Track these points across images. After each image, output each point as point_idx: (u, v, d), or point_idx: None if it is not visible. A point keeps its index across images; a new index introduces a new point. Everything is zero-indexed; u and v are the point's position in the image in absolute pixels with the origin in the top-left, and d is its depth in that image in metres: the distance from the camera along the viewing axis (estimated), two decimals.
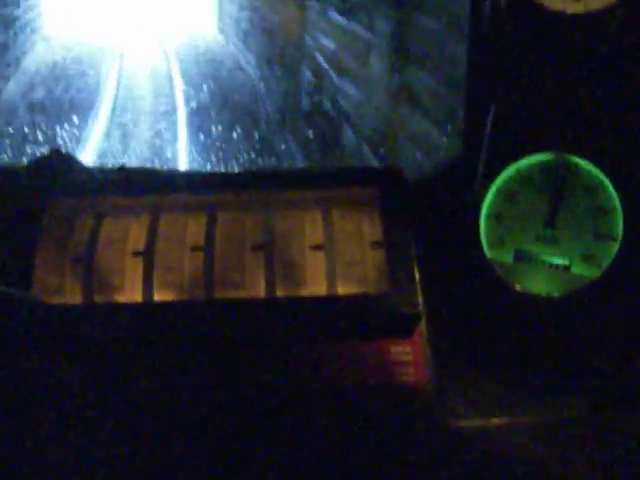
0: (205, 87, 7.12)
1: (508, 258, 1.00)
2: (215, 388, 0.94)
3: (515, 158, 0.99)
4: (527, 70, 0.96)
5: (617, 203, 0.95)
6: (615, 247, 0.96)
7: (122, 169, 1.12)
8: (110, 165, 1.14)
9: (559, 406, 0.97)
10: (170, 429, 0.91)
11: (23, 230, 1.03)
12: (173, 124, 5.99)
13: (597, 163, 0.96)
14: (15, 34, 7.72)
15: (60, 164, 1.15)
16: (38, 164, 1.15)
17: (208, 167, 4.23)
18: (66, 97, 6.55)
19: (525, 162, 0.99)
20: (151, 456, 0.88)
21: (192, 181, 1.09)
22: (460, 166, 1.10)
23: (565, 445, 0.93)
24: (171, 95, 7.00)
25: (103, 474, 0.82)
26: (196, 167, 4.54)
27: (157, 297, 0.99)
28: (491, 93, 1.00)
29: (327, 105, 3.63)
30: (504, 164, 1.00)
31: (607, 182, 0.95)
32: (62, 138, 5.31)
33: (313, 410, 0.94)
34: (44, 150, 1.25)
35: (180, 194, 1.07)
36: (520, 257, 0.99)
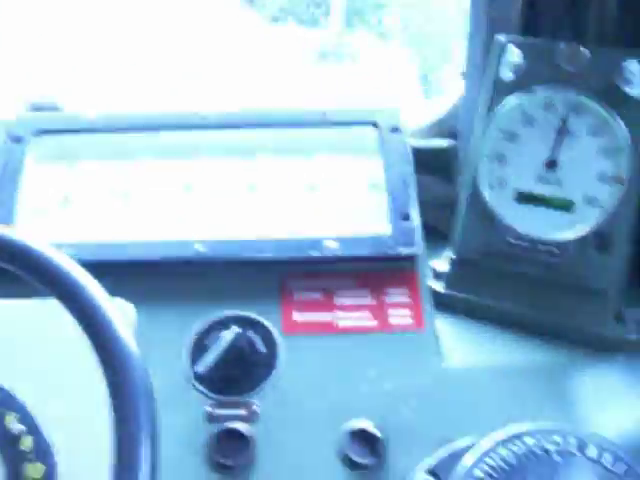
0: None
1: (509, 199, 0.97)
2: None
3: (517, 95, 0.96)
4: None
5: (624, 143, 0.92)
6: (621, 190, 0.93)
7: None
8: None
9: (554, 351, 0.95)
10: None
11: (8, 166, 1.00)
12: None
13: (604, 100, 0.92)
14: None
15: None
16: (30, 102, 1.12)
17: None
18: None
19: (527, 100, 0.96)
20: None
21: (173, 121, 1.06)
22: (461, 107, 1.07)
23: (557, 389, 0.91)
24: None
25: None
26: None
27: (140, 236, 0.97)
28: (492, 29, 0.97)
29: None
30: (505, 103, 0.97)
31: (614, 120, 0.92)
32: None
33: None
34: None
35: (162, 135, 1.04)
36: (521, 198, 0.96)
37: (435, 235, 1.06)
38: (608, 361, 0.95)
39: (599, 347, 0.95)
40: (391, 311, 0.94)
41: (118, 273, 0.92)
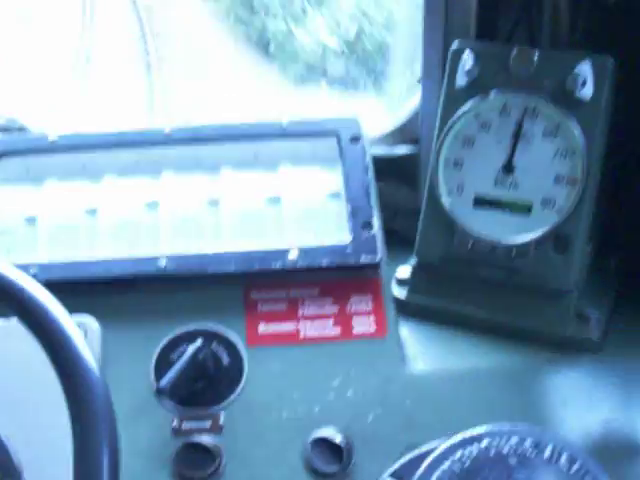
0: None
1: (467, 204, 0.98)
2: None
3: (472, 100, 0.97)
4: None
5: (579, 145, 0.93)
6: (577, 191, 0.94)
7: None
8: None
9: (518, 353, 0.96)
10: None
11: None
12: None
13: (558, 102, 0.93)
14: None
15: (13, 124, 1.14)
16: None
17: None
18: None
19: (482, 106, 0.97)
20: None
21: (139, 139, 1.06)
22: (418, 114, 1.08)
23: (521, 391, 0.92)
24: None
25: None
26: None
27: (112, 254, 0.97)
28: (448, 34, 0.98)
29: None
30: (461, 109, 0.97)
31: (568, 123, 0.93)
32: None
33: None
34: None
35: (125, 152, 1.05)
36: (479, 203, 0.97)
37: (401, 242, 1.07)
38: (572, 362, 0.95)
39: (562, 348, 0.96)
40: (354, 319, 0.95)
41: (83, 291, 0.93)
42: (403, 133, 1.15)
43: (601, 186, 0.95)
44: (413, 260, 1.03)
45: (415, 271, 1.03)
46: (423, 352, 0.96)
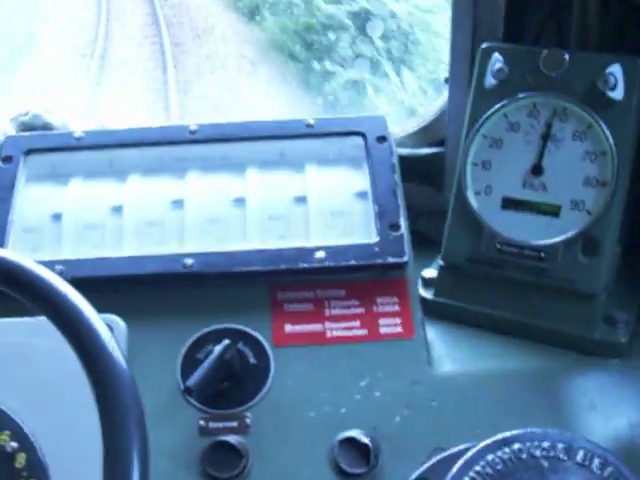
0: None
1: (495, 206, 0.97)
2: None
3: (501, 102, 0.96)
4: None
5: (608, 147, 0.92)
6: (607, 193, 0.93)
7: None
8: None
9: (545, 355, 0.95)
10: None
11: (0, 185, 1.01)
12: None
13: (587, 104, 0.92)
14: None
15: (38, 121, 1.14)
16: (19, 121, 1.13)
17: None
18: None
19: (511, 107, 0.96)
20: None
21: (164, 137, 1.06)
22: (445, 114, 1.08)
23: (549, 394, 0.91)
24: None
25: None
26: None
27: (138, 252, 0.97)
28: (476, 34, 0.97)
29: None
30: (490, 110, 0.97)
31: (598, 125, 0.92)
32: None
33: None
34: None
35: (151, 150, 1.05)
36: (507, 205, 0.97)
37: (426, 243, 1.06)
38: (599, 365, 0.95)
39: (590, 351, 0.95)
40: (381, 320, 0.94)
41: (109, 289, 0.93)
42: (428, 133, 1.15)
43: (630, 188, 0.94)
44: (439, 261, 1.02)
45: (442, 272, 1.02)
46: (450, 354, 0.96)
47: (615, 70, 0.92)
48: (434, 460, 0.84)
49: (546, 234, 0.95)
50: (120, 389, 0.68)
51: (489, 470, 0.73)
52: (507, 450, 0.74)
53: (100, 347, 0.70)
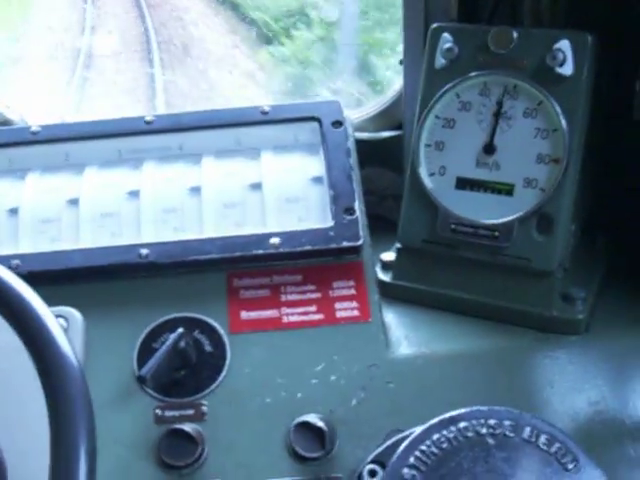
0: None
1: (449, 186, 0.97)
2: None
3: (452, 82, 0.96)
4: None
5: (560, 123, 0.92)
6: (559, 170, 0.93)
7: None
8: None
9: (503, 335, 0.95)
10: None
11: None
12: None
13: (537, 81, 0.92)
14: None
15: None
16: None
17: None
18: None
19: (462, 86, 0.96)
20: None
21: (120, 128, 1.06)
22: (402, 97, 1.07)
23: (507, 373, 0.91)
24: None
25: None
26: None
27: (94, 244, 0.97)
28: (429, 16, 0.97)
29: None
30: (442, 90, 0.97)
31: (548, 101, 0.92)
32: None
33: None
34: None
35: (107, 142, 1.05)
36: (461, 185, 0.96)
37: (389, 227, 1.06)
38: (558, 342, 0.94)
39: (548, 329, 0.95)
40: (337, 304, 0.94)
41: (66, 281, 0.93)
42: (387, 116, 1.14)
43: (584, 165, 0.94)
44: (397, 243, 1.02)
45: (399, 254, 1.02)
46: (407, 335, 0.96)
47: (564, 46, 0.91)
48: (389, 442, 0.84)
49: (500, 213, 0.94)
50: (67, 381, 0.68)
51: (434, 449, 0.73)
52: (453, 429, 0.74)
53: (47, 339, 0.70)
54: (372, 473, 0.82)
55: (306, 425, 0.86)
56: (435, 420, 0.74)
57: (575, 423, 0.88)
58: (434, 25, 0.98)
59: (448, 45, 0.96)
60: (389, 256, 1.04)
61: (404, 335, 0.96)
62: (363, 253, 0.96)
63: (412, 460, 0.73)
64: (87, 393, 0.69)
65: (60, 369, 0.69)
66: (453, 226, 0.96)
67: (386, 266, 1.03)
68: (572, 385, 0.91)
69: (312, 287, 0.95)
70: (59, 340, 0.70)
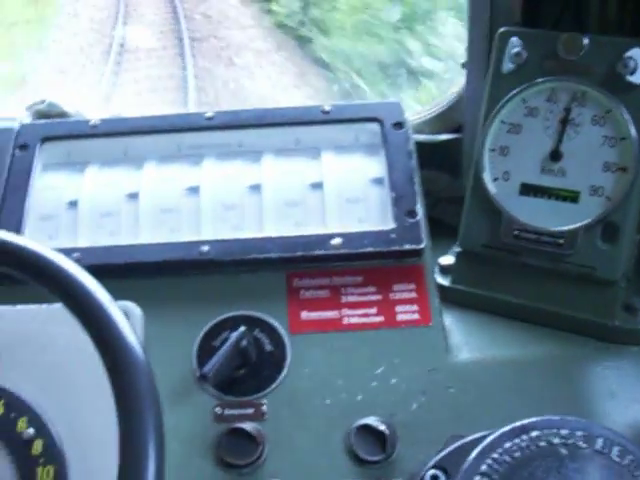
0: None
1: (513, 192, 0.96)
2: None
3: (520, 87, 0.95)
4: None
5: (628, 132, 0.91)
6: (627, 179, 0.92)
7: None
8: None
9: (564, 343, 0.94)
10: None
11: (16, 173, 1.01)
12: None
13: (607, 89, 0.91)
14: None
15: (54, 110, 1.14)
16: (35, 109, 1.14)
17: None
18: None
19: (530, 91, 0.95)
20: None
21: (180, 124, 1.06)
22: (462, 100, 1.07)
23: (567, 381, 0.90)
24: None
25: None
26: None
27: (154, 239, 0.97)
28: (494, 19, 0.96)
29: None
30: (508, 95, 0.96)
31: (617, 109, 0.91)
32: None
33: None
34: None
35: (167, 137, 1.05)
36: (525, 191, 0.96)
37: (443, 230, 1.06)
38: (618, 352, 0.94)
39: (609, 338, 0.94)
40: (398, 307, 0.94)
41: (126, 276, 0.93)
42: (446, 119, 1.14)
43: None
44: (457, 247, 1.02)
45: (459, 259, 1.01)
46: (467, 341, 0.95)
47: (634, 54, 0.91)
48: (451, 447, 0.83)
49: (565, 220, 0.94)
50: (136, 376, 0.68)
51: (507, 457, 0.72)
52: (525, 437, 0.73)
53: (116, 334, 0.70)
54: (434, 478, 0.81)
55: (367, 428, 0.86)
56: (507, 428, 0.74)
57: (635, 433, 0.88)
58: (502, 29, 0.97)
59: (516, 50, 0.95)
60: (448, 260, 1.03)
61: (464, 340, 0.95)
62: (424, 256, 0.95)
63: (484, 468, 0.72)
64: (156, 389, 0.69)
65: (129, 365, 0.69)
66: (516, 232, 0.95)
67: (445, 270, 1.03)
68: (633, 396, 0.90)
69: (372, 289, 0.95)
70: (128, 335, 0.70)
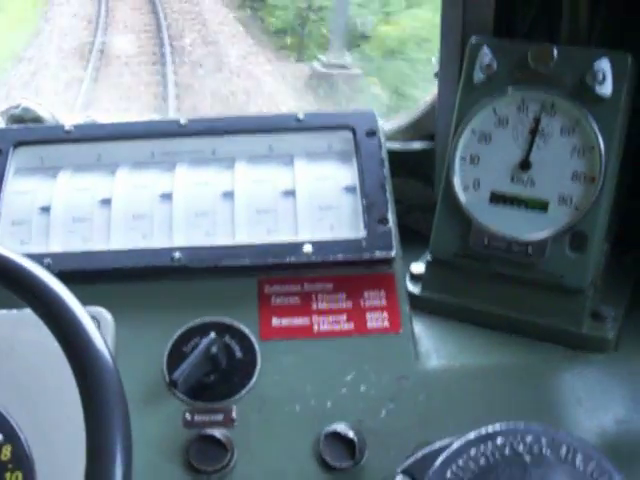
0: None
1: (483, 200, 0.97)
2: None
3: (490, 97, 0.96)
4: None
5: (597, 142, 0.92)
6: (595, 188, 0.93)
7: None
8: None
9: (532, 350, 0.95)
10: None
11: None
12: None
13: (576, 99, 0.92)
14: None
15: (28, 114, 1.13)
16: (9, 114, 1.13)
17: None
18: None
19: (500, 101, 0.96)
20: None
21: (153, 130, 1.06)
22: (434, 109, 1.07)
23: (535, 389, 0.91)
24: None
25: None
26: None
27: (126, 245, 0.97)
28: (466, 29, 0.97)
29: None
30: (479, 104, 0.97)
31: (586, 120, 0.92)
32: None
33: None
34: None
35: (140, 143, 1.05)
36: (495, 199, 0.97)
37: (415, 238, 1.06)
38: (586, 360, 0.95)
39: (577, 346, 0.95)
40: (368, 314, 0.94)
41: (97, 282, 0.93)
42: (418, 128, 1.15)
43: (618, 184, 0.94)
44: (427, 256, 1.02)
45: (429, 267, 1.02)
46: (437, 348, 0.96)
47: (603, 65, 0.92)
48: (418, 454, 0.84)
49: (534, 229, 0.95)
50: (104, 382, 0.68)
51: (471, 465, 0.73)
52: (490, 445, 0.74)
53: (84, 340, 0.70)
54: None
55: (336, 435, 0.86)
56: (471, 435, 0.74)
57: (602, 441, 0.89)
58: (473, 39, 0.98)
59: (487, 60, 0.96)
60: (419, 268, 1.04)
61: (433, 348, 0.96)
62: (395, 264, 0.96)
63: (449, 475, 0.73)
64: (124, 395, 0.69)
65: (97, 370, 0.69)
66: (486, 241, 0.96)
67: (415, 278, 1.03)
68: (600, 403, 0.91)
69: (343, 296, 0.95)
70: (96, 341, 0.70)
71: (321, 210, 0.99)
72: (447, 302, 1.01)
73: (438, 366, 0.94)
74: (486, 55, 0.96)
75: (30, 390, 0.85)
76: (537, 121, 0.95)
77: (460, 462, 0.73)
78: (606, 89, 0.92)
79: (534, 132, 0.95)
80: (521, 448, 0.73)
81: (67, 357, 0.69)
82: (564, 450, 0.73)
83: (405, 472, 0.83)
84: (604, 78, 0.92)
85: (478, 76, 0.97)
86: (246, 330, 0.93)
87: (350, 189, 1.00)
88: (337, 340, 0.93)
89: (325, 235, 0.97)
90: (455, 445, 0.74)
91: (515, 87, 0.96)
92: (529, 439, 0.74)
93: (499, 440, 0.74)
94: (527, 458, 0.73)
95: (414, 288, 1.03)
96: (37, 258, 0.93)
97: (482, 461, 0.73)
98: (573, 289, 0.94)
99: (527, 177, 0.95)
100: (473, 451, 0.73)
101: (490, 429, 0.74)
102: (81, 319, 0.71)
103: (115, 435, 0.66)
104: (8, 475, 0.81)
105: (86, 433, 0.66)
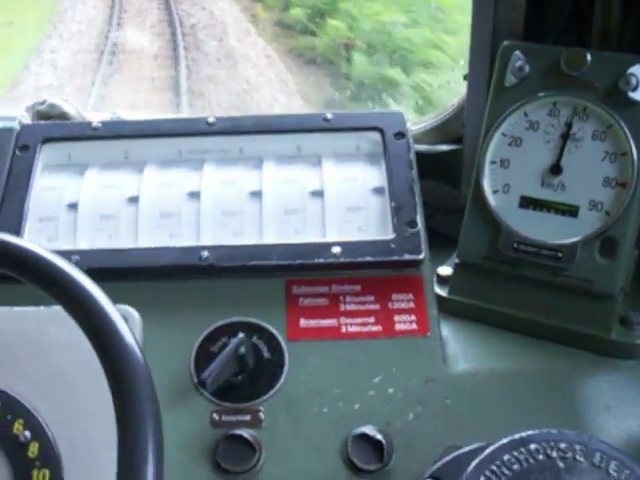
0: None
1: (513, 204, 0.97)
2: None
3: (521, 101, 0.96)
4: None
5: (628, 147, 0.91)
6: (626, 194, 0.92)
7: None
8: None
9: (560, 355, 0.95)
10: None
11: (16, 174, 1.01)
12: None
13: (608, 104, 0.92)
14: None
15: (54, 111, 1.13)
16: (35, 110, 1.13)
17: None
18: None
19: (531, 105, 0.96)
20: None
21: (181, 128, 1.06)
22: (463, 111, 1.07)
23: (563, 394, 0.91)
24: None
25: None
26: None
27: (153, 243, 0.97)
28: (496, 32, 0.97)
29: None
30: (510, 108, 0.97)
31: (618, 125, 0.92)
32: None
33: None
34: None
35: (169, 141, 1.05)
36: (525, 204, 0.96)
37: (442, 240, 1.06)
38: (614, 366, 0.94)
39: (605, 352, 0.95)
40: (396, 317, 0.94)
41: (125, 280, 0.93)
42: (446, 130, 1.14)
43: None
44: (455, 258, 1.02)
45: (457, 270, 1.02)
46: (464, 352, 0.96)
47: (637, 71, 0.91)
48: (447, 458, 0.83)
49: (564, 234, 0.94)
50: (136, 380, 0.68)
51: (505, 470, 0.72)
52: (523, 450, 0.73)
53: (116, 337, 0.69)
54: None
55: (364, 437, 0.86)
56: (505, 440, 0.74)
57: (630, 447, 0.88)
58: (506, 43, 0.98)
59: (520, 64, 0.96)
60: (446, 270, 1.03)
61: (461, 351, 0.96)
62: (423, 267, 0.96)
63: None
64: (155, 393, 0.69)
65: (129, 368, 0.69)
66: (515, 245, 0.96)
67: (443, 280, 1.03)
68: (628, 410, 0.91)
69: (371, 298, 0.95)
70: (127, 339, 0.70)
71: (349, 211, 0.99)
72: (475, 305, 1.00)
73: (466, 370, 0.93)
74: (519, 59, 0.96)
75: (58, 388, 0.85)
76: (569, 125, 0.94)
77: (493, 467, 0.73)
78: (639, 94, 0.92)
79: (565, 137, 0.95)
80: (555, 454, 0.73)
81: (97, 354, 0.69)
82: (597, 457, 0.73)
83: (433, 476, 0.83)
84: (637, 84, 0.91)
85: (510, 79, 0.97)
86: (274, 331, 0.93)
87: (378, 190, 1.00)
88: (365, 342, 0.93)
89: (353, 236, 0.97)
90: (488, 450, 0.74)
91: (547, 91, 0.95)
92: (563, 445, 0.73)
93: (532, 445, 0.73)
94: (560, 464, 0.72)
95: (441, 291, 1.02)
96: (64, 255, 0.92)
97: (515, 466, 0.73)
98: (602, 295, 0.94)
99: (558, 182, 0.95)
100: (506, 456, 0.73)
101: (524, 434, 0.74)
102: (112, 317, 0.70)
103: (147, 434, 0.66)
104: (35, 472, 0.81)
105: (117, 431, 0.66)
